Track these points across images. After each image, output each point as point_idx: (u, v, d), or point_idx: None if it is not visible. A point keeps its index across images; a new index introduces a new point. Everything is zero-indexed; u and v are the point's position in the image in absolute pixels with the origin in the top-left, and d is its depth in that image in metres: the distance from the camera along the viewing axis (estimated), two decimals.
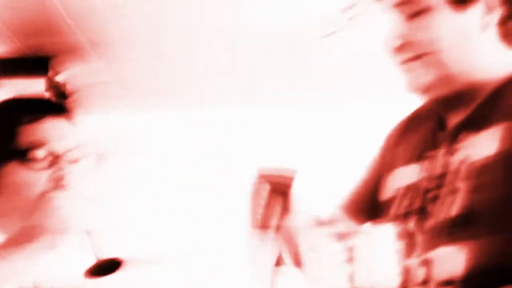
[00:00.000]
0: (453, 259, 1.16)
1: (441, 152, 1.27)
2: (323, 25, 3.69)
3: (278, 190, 1.33)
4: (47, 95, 3.43)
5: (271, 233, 1.34)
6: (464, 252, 1.14)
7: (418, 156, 1.33)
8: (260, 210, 1.34)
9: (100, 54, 4.02)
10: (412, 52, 1.25)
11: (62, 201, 1.27)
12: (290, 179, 1.34)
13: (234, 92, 4.95)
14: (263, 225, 1.35)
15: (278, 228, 1.34)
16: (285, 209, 1.34)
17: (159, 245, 5.25)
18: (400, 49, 1.26)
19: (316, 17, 3.65)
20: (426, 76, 1.25)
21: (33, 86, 3.43)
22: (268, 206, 1.33)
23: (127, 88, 4.76)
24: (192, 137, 5.34)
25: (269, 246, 1.14)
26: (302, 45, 4.03)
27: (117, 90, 4.77)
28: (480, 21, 1.23)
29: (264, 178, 1.34)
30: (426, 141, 1.34)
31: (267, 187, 1.33)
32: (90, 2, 3.34)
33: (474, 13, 1.22)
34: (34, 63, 3.63)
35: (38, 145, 1.35)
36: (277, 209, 1.33)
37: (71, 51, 3.88)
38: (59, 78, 3.62)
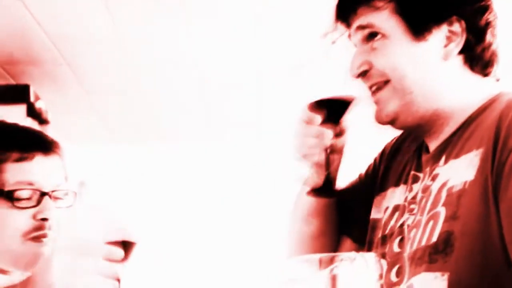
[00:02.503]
0: (433, 286, 1.15)
1: (424, 174, 1.27)
2: (293, 58, 3.71)
3: (332, 117, 1.32)
4: (27, 121, 3.40)
5: (314, 159, 1.33)
6: (444, 279, 1.13)
7: (406, 178, 1.33)
8: (309, 139, 1.32)
9: (80, 84, 4.01)
10: (376, 79, 1.26)
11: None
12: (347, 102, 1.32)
13: (205, 126, 4.96)
14: (309, 154, 1.34)
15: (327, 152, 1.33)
16: (336, 135, 1.34)
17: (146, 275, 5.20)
18: (365, 75, 1.27)
19: (285, 52, 3.66)
20: (392, 105, 1.25)
21: (13, 112, 3.41)
22: (319, 135, 1.32)
23: (106, 119, 4.75)
24: (169, 168, 5.34)
25: None
26: (272, 79, 4.06)
27: (97, 121, 4.75)
28: (442, 49, 1.23)
29: (320, 103, 1.32)
30: (412, 162, 1.33)
31: (321, 113, 1.32)
32: (73, 31, 3.35)
33: (435, 41, 1.23)
34: (14, 89, 3.61)
35: (25, 184, 1.29)
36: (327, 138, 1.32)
37: (52, 80, 3.87)
38: (40, 105, 3.60)
